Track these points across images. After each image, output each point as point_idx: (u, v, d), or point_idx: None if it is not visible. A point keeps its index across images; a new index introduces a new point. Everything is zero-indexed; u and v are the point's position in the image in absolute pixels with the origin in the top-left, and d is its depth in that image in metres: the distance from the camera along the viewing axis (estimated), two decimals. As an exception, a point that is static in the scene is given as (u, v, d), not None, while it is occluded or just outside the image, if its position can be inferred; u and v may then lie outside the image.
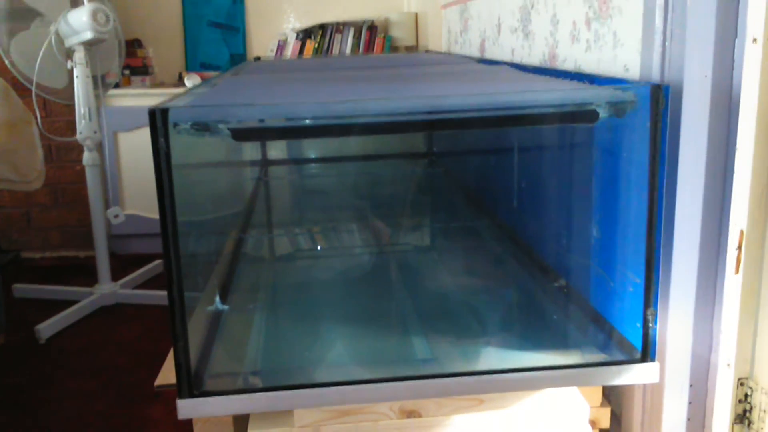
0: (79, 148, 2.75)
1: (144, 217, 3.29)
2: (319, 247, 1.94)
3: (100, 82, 2.69)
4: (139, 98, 3.23)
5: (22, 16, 2.56)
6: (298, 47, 3.55)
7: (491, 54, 2.16)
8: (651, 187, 1.03)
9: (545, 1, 1.62)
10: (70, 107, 2.69)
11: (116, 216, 2.74)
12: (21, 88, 2.61)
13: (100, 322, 2.63)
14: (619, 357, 1.12)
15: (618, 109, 1.07)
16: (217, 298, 1.37)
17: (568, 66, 1.49)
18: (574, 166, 1.37)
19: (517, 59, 1.88)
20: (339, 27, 3.58)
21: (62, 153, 3.40)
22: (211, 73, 3.46)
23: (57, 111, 3.31)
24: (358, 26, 3.59)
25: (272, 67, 2.19)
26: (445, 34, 2.93)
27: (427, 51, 3.33)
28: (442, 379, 1.07)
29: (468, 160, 2.22)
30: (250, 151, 2.45)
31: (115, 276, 2.85)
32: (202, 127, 0.99)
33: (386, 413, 1.12)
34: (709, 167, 1.08)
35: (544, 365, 1.10)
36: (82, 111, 2.60)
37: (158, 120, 0.94)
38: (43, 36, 2.54)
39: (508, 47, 1.96)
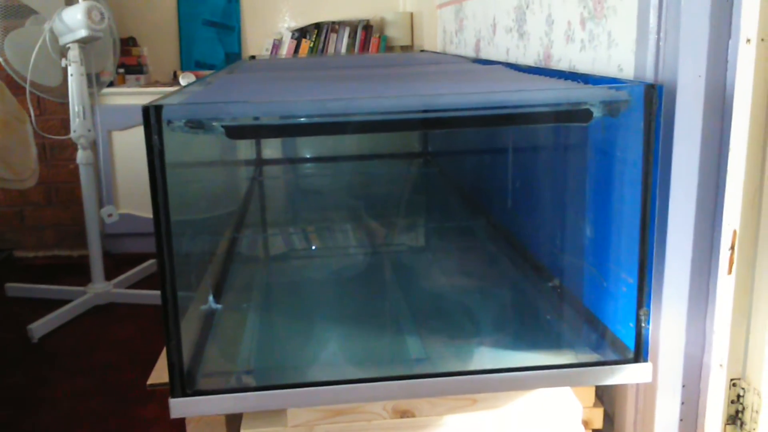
0: (73, 147, 2.74)
1: (138, 217, 3.28)
2: (313, 247, 1.94)
3: (94, 81, 2.69)
4: (134, 97, 3.22)
5: (17, 14, 2.55)
6: (294, 46, 3.54)
7: (486, 54, 2.16)
8: (644, 187, 1.03)
9: (540, 1, 1.62)
10: (64, 105, 2.69)
11: (110, 215, 2.73)
12: (15, 86, 2.60)
13: (94, 322, 2.62)
14: (612, 357, 1.12)
15: (612, 108, 1.07)
16: (211, 298, 1.37)
17: (563, 66, 1.50)
18: (568, 166, 1.37)
19: (512, 59, 1.88)
20: (334, 26, 3.58)
21: (56, 151, 3.38)
22: (206, 72, 3.45)
23: (51, 109, 3.29)
24: (353, 26, 3.60)
25: (267, 66, 2.18)
26: (440, 33, 2.93)
27: (422, 51, 3.33)
28: (435, 378, 1.07)
29: (462, 159, 2.22)
30: (245, 149, 2.44)
31: (109, 275, 2.84)
32: (196, 125, 0.99)
33: (380, 413, 1.12)
34: (703, 167, 1.08)
35: (538, 365, 1.10)
36: (77, 109, 2.60)
37: (152, 117, 0.93)
38: (37, 34, 2.53)
39: (503, 47, 1.96)
